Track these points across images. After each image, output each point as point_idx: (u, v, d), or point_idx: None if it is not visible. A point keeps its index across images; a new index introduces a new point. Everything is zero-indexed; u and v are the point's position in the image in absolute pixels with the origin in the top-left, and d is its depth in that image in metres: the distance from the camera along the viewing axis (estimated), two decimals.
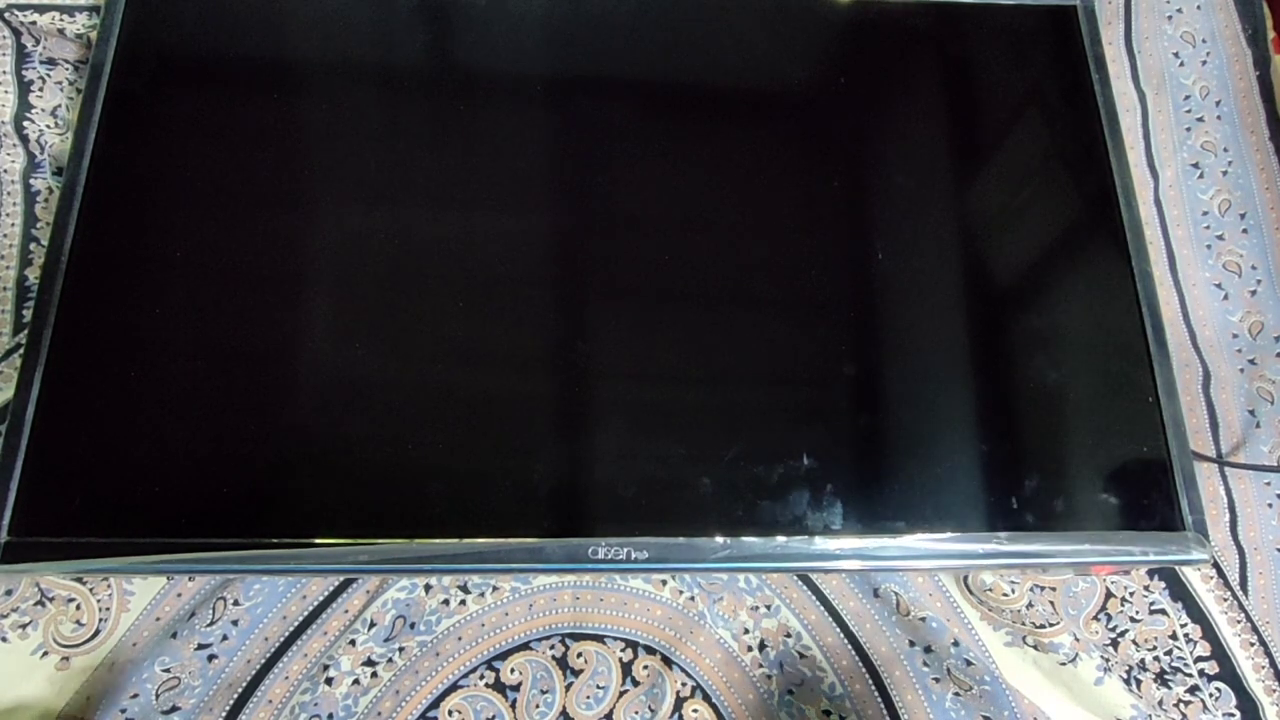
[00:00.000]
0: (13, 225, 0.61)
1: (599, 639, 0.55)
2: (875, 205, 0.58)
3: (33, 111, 0.63)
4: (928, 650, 0.55)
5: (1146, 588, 0.57)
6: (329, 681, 0.52)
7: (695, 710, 0.53)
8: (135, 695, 0.50)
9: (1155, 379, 0.54)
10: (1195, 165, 0.69)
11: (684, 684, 0.54)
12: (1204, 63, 0.71)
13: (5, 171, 0.61)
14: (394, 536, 0.48)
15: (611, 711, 0.53)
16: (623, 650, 0.55)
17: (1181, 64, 0.71)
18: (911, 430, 0.52)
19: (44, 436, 0.49)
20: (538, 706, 0.53)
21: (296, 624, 0.53)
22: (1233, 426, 0.62)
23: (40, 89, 0.63)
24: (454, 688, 0.53)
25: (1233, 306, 0.66)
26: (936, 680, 0.54)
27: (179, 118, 0.56)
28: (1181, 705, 0.54)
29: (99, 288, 0.52)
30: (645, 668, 0.54)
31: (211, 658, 0.52)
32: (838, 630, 0.55)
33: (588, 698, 0.53)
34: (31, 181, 0.62)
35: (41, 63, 0.64)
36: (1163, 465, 0.52)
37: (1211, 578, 0.57)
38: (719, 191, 0.58)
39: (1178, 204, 0.68)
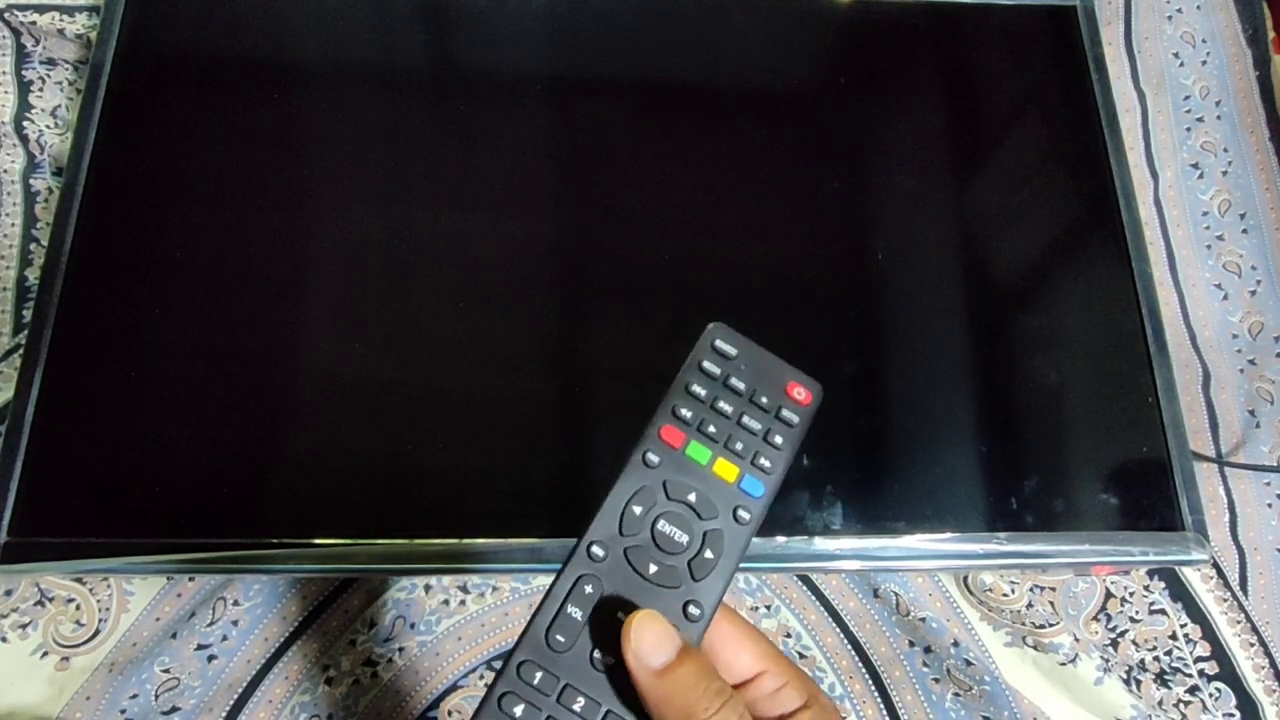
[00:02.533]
0: (13, 225, 0.61)
1: None
2: (875, 205, 0.58)
3: (33, 111, 0.63)
4: (928, 650, 0.55)
5: (1146, 588, 0.57)
6: (329, 681, 0.52)
7: None
8: (135, 695, 0.50)
9: (1155, 379, 0.54)
10: (1195, 165, 0.69)
11: None
12: (1204, 63, 0.71)
13: (5, 171, 0.61)
14: (394, 536, 0.48)
15: None
16: None
17: (1181, 64, 0.71)
18: (911, 430, 0.52)
19: (44, 436, 0.49)
20: None
21: (296, 624, 0.53)
22: (1233, 426, 0.62)
23: (40, 89, 0.63)
24: (454, 688, 0.53)
25: (1233, 306, 0.66)
26: (936, 680, 0.54)
27: (179, 118, 0.56)
28: (1181, 705, 0.54)
29: (99, 288, 0.52)
30: None
31: (211, 658, 0.52)
32: (837, 630, 0.55)
33: None
34: (31, 181, 0.62)
35: (41, 63, 0.64)
36: (1162, 465, 0.52)
37: (1211, 578, 0.57)
38: (719, 191, 0.58)
39: (1178, 204, 0.68)
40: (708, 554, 0.28)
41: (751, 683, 0.28)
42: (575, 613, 0.26)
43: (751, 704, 0.28)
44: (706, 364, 0.30)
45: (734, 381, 0.30)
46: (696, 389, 0.29)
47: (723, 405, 0.29)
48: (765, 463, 0.29)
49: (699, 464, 0.28)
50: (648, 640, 0.25)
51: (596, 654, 0.26)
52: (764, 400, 0.30)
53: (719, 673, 0.27)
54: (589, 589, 0.26)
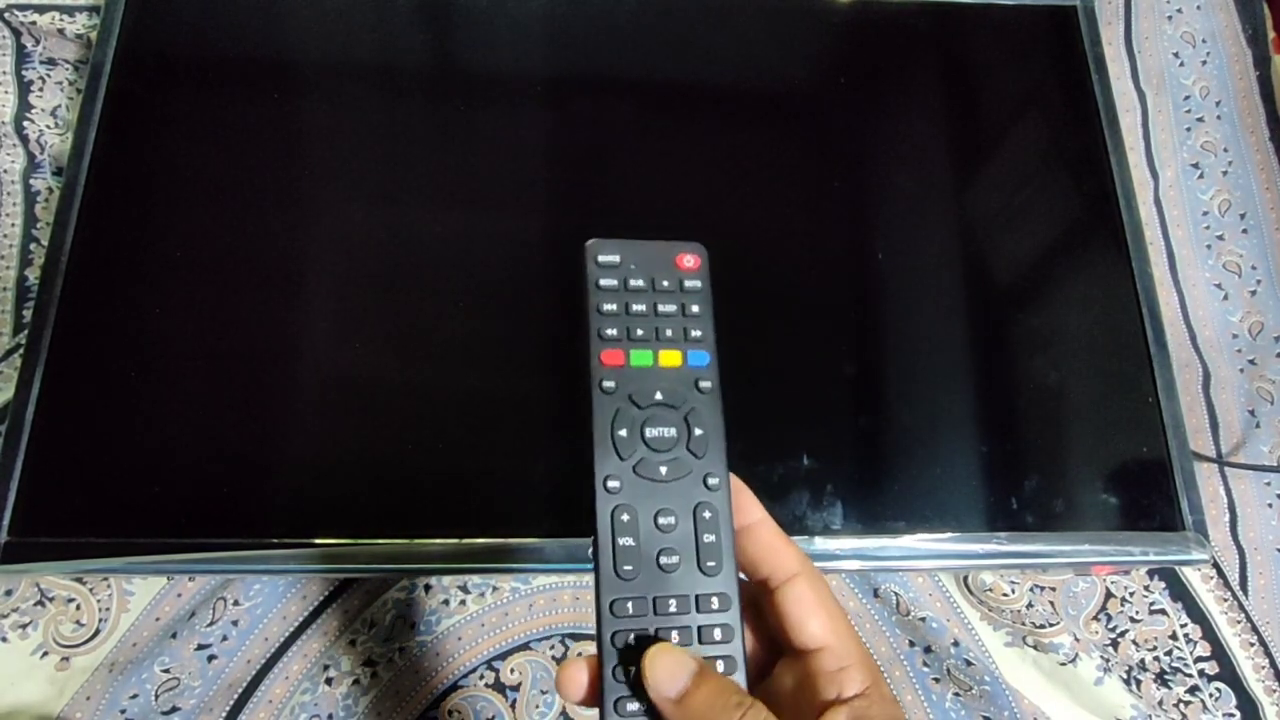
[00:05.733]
0: (13, 225, 0.61)
1: None
2: (875, 205, 0.58)
3: (33, 111, 0.63)
4: (928, 650, 0.55)
5: (1146, 588, 0.57)
6: (329, 681, 0.52)
7: None
8: (135, 695, 0.50)
9: (1155, 379, 0.54)
10: (1195, 165, 0.69)
11: None
12: (1204, 63, 0.71)
13: (5, 171, 0.61)
14: (394, 536, 0.48)
15: None
16: None
17: (1181, 64, 0.71)
18: (911, 430, 0.52)
19: (44, 436, 0.49)
20: (537, 707, 0.53)
21: (296, 624, 0.53)
22: (1233, 426, 0.62)
23: (40, 89, 0.63)
24: (454, 688, 0.53)
25: (1233, 306, 0.66)
26: (936, 680, 0.54)
27: (179, 118, 0.56)
28: (1181, 705, 0.54)
29: (99, 288, 0.52)
30: None
31: (211, 658, 0.52)
32: None
33: None
34: (31, 181, 0.62)
35: (41, 63, 0.64)
36: (1163, 465, 0.52)
37: (1211, 578, 0.57)
38: (719, 192, 0.58)
39: (1178, 204, 0.68)
40: (698, 431, 0.30)
41: (814, 654, 0.29)
42: (628, 541, 0.28)
43: (812, 676, 0.28)
44: (603, 281, 0.32)
45: (632, 282, 0.32)
46: (607, 306, 0.31)
47: (636, 307, 0.31)
48: (696, 333, 0.31)
49: (647, 366, 0.31)
50: (661, 673, 0.27)
51: (662, 559, 0.29)
52: (665, 283, 0.32)
53: (791, 638, 0.29)
54: (625, 517, 0.29)
